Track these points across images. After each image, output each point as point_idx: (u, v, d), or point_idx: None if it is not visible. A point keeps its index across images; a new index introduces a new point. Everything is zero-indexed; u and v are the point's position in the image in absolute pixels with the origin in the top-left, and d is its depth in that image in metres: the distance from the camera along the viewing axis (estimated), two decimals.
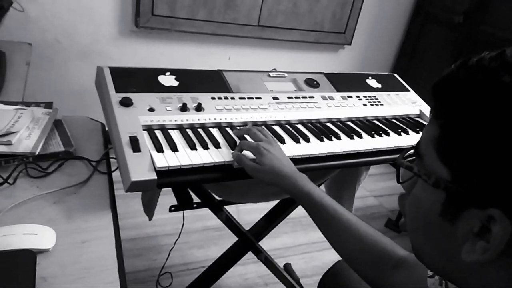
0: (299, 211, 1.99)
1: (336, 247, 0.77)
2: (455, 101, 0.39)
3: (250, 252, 1.36)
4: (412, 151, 0.47)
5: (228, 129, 0.95)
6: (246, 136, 0.88)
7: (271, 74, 1.18)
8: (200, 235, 1.79)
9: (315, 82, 1.20)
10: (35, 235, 0.69)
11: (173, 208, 1.03)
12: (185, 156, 0.81)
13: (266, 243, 1.78)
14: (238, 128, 0.95)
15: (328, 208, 0.76)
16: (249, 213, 1.62)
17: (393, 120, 1.17)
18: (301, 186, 0.78)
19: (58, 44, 1.93)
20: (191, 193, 1.07)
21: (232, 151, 0.84)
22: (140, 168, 0.75)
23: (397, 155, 1.06)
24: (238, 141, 0.88)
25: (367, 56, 2.67)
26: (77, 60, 1.99)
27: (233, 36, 2.20)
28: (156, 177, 0.75)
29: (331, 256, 0.98)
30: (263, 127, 0.93)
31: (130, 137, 0.80)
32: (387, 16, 2.58)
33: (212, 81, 1.05)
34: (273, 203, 1.35)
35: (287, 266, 1.71)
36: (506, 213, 0.35)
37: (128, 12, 1.97)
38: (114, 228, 0.74)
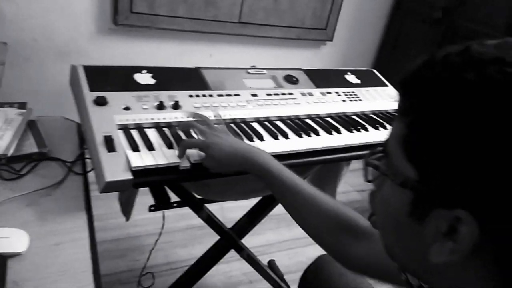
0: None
1: (299, 221, 0.75)
2: (421, 99, 0.38)
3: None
4: (380, 149, 0.46)
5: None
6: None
7: (250, 71, 1.17)
8: (184, 234, 1.78)
9: (294, 79, 1.20)
10: (7, 239, 0.67)
11: (152, 208, 1.01)
12: (162, 155, 0.80)
13: (250, 240, 1.78)
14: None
15: (287, 183, 0.74)
16: (233, 211, 1.62)
17: (372, 115, 1.18)
18: (260, 164, 0.76)
19: (35, 43, 1.89)
20: (172, 193, 1.06)
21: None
22: (115, 168, 0.74)
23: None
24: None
25: (349, 52, 2.69)
26: (54, 59, 1.95)
27: (214, 33, 2.18)
28: (131, 177, 0.74)
29: (315, 252, 0.98)
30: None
31: (104, 136, 0.78)
32: (368, 11, 2.59)
33: (190, 79, 1.05)
34: (256, 200, 1.34)
35: (271, 263, 1.71)
36: (473, 214, 0.34)
37: (106, 9, 1.94)
38: (89, 230, 0.73)
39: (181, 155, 0.80)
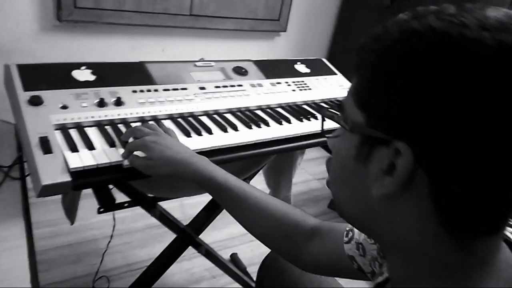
0: None
1: (249, 228, 0.75)
2: (370, 50, 0.42)
3: None
4: (337, 103, 0.50)
5: (152, 123, 0.91)
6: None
7: (197, 63, 1.15)
8: (143, 233, 1.74)
9: (243, 70, 1.19)
10: None
11: (101, 210, 0.98)
12: (103, 154, 0.77)
13: (212, 235, 1.77)
14: (161, 121, 0.92)
15: (234, 189, 0.73)
16: (194, 207, 1.59)
17: (322, 104, 1.19)
18: (202, 171, 0.74)
19: None
20: (123, 193, 1.03)
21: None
22: (51, 170, 0.70)
23: (325, 138, 1.08)
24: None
25: (303, 42, 2.70)
26: None
27: (165, 26, 2.13)
28: (70, 179, 0.70)
29: None
30: (153, 122, 0.89)
31: (40, 138, 0.74)
32: (319, 1, 2.61)
33: (134, 74, 1.01)
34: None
35: (234, 256, 1.71)
36: (410, 145, 0.37)
37: (49, 5, 1.85)
38: (27, 237, 0.69)
39: (126, 157, 0.77)
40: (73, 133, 0.81)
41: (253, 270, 1.60)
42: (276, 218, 0.72)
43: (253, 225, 0.75)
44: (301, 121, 1.06)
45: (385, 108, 0.39)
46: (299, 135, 1.02)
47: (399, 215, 0.41)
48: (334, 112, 0.49)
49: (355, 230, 0.68)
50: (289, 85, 1.20)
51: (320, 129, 0.53)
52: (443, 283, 0.41)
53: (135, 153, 0.76)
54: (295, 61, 1.32)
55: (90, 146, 0.78)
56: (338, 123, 0.46)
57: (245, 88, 1.12)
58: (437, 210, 0.38)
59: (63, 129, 0.81)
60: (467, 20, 0.36)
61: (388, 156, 0.39)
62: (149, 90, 0.97)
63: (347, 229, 0.70)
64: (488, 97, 0.33)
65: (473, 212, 0.37)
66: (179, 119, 0.95)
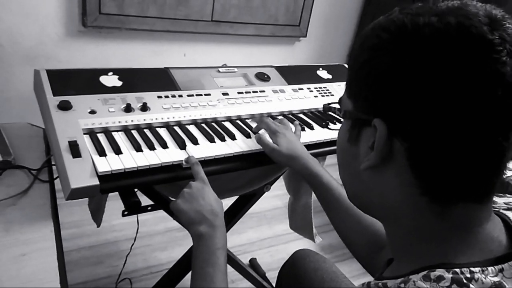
0: (264, 205, 2.00)
1: (337, 226, 0.84)
2: (354, 48, 0.48)
3: None
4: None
5: (176, 128, 0.93)
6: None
7: (220, 69, 1.16)
8: (163, 236, 1.76)
9: (265, 76, 1.19)
10: None
11: (126, 213, 0.99)
12: (130, 159, 0.78)
13: (232, 240, 1.78)
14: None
15: (334, 191, 0.83)
16: None
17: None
18: (311, 168, 0.86)
19: (0, 48, 1.84)
20: (146, 196, 1.04)
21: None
22: (80, 174, 0.72)
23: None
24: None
25: (323, 48, 2.70)
26: (22, 64, 1.90)
27: (187, 32, 2.16)
28: (98, 183, 0.72)
29: (296, 248, 0.98)
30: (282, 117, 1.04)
31: (69, 142, 0.76)
32: (340, 7, 2.61)
33: (159, 80, 1.03)
34: (233, 200, 1.34)
35: (253, 261, 1.71)
36: (384, 120, 0.43)
37: (74, 11, 1.89)
38: (56, 238, 0.71)
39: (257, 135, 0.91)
40: (101, 137, 0.82)
41: (272, 276, 1.60)
42: (362, 225, 0.80)
43: (342, 225, 0.83)
44: (324, 127, 1.06)
45: (363, 92, 0.46)
46: (321, 141, 1.02)
47: (384, 186, 0.46)
48: (331, 106, 0.58)
49: None
50: (311, 91, 1.20)
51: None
52: (426, 250, 0.44)
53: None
54: (317, 67, 1.32)
55: (117, 150, 0.79)
56: (334, 113, 0.56)
57: (267, 94, 1.13)
58: (416, 179, 0.43)
59: (91, 133, 0.82)
60: (421, 10, 0.42)
61: (373, 134, 0.44)
62: (173, 96, 0.99)
63: None
64: (441, 69, 0.38)
65: (446, 179, 0.42)
66: (203, 124, 0.96)
